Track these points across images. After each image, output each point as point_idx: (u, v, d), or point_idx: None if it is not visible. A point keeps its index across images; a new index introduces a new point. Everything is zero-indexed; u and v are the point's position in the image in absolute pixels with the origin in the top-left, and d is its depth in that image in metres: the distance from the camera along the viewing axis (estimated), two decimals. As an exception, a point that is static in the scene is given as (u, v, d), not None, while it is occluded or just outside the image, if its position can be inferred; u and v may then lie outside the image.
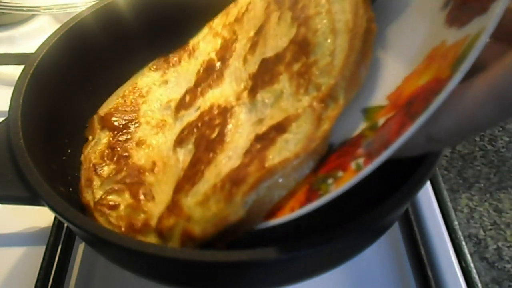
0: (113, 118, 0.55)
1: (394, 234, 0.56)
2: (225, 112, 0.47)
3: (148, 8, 0.62)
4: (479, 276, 0.52)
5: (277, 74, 0.42)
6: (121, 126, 0.54)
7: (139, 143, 0.52)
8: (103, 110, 0.57)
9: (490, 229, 0.62)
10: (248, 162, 0.39)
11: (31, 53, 0.51)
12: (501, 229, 0.62)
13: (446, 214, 0.58)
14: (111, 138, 0.53)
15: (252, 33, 0.51)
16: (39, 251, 0.53)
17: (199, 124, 0.49)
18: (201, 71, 0.56)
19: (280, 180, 0.37)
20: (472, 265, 0.53)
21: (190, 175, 0.44)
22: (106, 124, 0.54)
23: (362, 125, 0.37)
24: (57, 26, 0.55)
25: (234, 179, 0.38)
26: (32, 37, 0.87)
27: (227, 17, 0.58)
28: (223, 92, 0.50)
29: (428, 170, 0.40)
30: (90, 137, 0.54)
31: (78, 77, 0.57)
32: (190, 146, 0.48)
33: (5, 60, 0.75)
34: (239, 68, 0.50)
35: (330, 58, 0.39)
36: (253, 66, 0.47)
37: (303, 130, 0.38)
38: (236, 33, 0.54)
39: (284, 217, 0.36)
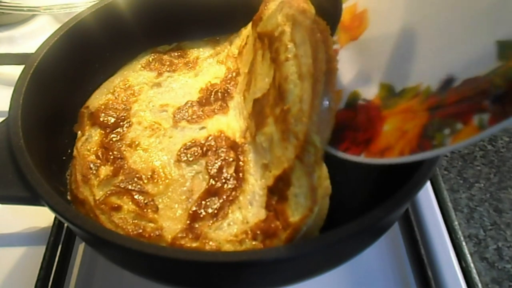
0: (104, 116, 0.55)
1: (394, 234, 0.56)
2: (235, 147, 0.50)
3: (147, 8, 0.62)
4: (479, 276, 0.52)
5: (265, 116, 0.45)
6: (112, 124, 0.54)
7: (132, 145, 0.52)
8: (93, 105, 0.56)
9: (490, 229, 0.62)
10: (272, 217, 0.42)
11: (31, 53, 0.51)
12: (501, 229, 0.62)
13: (446, 214, 0.58)
14: (103, 137, 0.53)
15: (246, 70, 0.54)
16: (39, 251, 0.53)
17: (207, 149, 0.50)
18: (206, 92, 0.57)
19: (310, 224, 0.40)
20: (472, 265, 0.53)
21: (211, 208, 0.45)
22: (96, 121, 0.54)
23: (494, 63, 0.31)
24: (57, 26, 0.55)
25: (267, 233, 0.41)
26: (32, 37, 0.87)
27: (230, 46, 0.62)
28: (229, 123, 0.53)
29: (428, 170, 0.40)
30: (80, 133, 0.54)
31: (78, 77, 0.57)
32: (198, 167, 0.49)
33: (5, 60, 0.75)
34: (240, 103, 0.53)
35: (300, 105, 0.40)
36: (249, 105, 0.50)
37: (304, 184, 0.40)
38: (238, 67, 0.58)
39: (392, 159, 0.35)
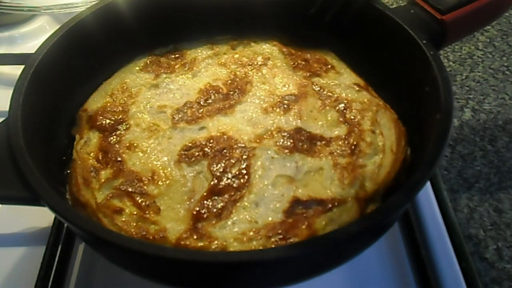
0: (102, 119, 0.55)
1: (394, 234, 0.56)
2: (242, 148, 0.50)
3: (147, 8, 0.62)
4: (479, 276, 0.52)
5: (318, 151, 0.50)
6: (110, 127, 0.54)
7: (131, 147, 0.52)
8: (91, 108, 0.56)
9: (490, 229, 0.62)
10: (293, 223, 0.44)
11: (31, 53, 0.51)
12: (501, 229, 0.62)
13: (446, 214, 0.58)
14: (101, 140, 0.53)
15: (277, 94, 0.57)
16: (39, 251, 0.53)
17: (209, 149, 0.51)
18: (205, 92, 0.58)
19: None
20: (472, 265, 0.53)
21: (214, 208, 0.46)
22: (94, 124, 0.54)
23: None
24: (57, 26, 0.55)
25: (284, 235, 0.42)
26: (32, 37, 0.87)
27: (234, 52, 0.63)
28: (234, 125, 0.53)
29: (428, 170, 0.40)
30: (78, 136, 0.54)
31: (78, 78, 0.57)
32: (200, 167, 0.49)
33: (5, 60, 0.75)
34: (255, 112, 0.55)
35: (377, 170, 0.49)
36: (280, 123, 0.53)
37: (348, 217, 0.44)
38: (248, 77, 0.60)
39: None
